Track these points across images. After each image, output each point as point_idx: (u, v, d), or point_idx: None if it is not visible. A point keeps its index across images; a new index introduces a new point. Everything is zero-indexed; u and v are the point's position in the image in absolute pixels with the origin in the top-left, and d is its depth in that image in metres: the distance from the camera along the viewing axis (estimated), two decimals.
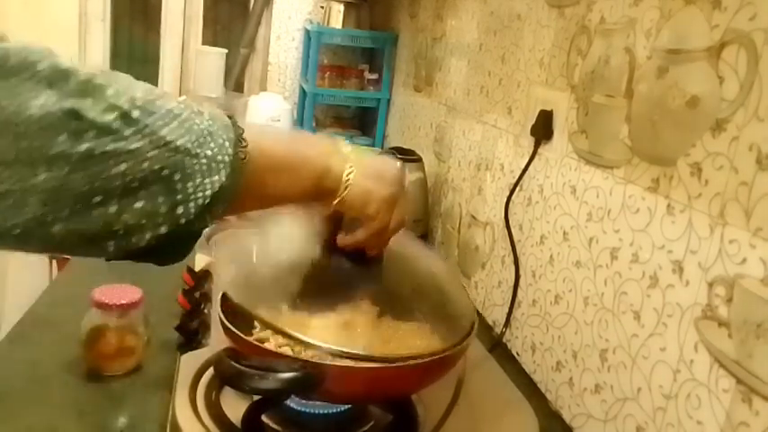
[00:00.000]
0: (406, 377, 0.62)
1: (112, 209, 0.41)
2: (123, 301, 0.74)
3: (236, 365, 0.54)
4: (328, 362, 0.57)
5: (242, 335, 0.61)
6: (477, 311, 1.09)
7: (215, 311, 0.65)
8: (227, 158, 0.46)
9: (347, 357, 0.57)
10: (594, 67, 0.80)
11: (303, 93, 2.01)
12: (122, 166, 0.41)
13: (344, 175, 0.58)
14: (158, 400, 0.72)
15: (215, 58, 1.92)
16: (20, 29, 2.36)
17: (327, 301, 0.63)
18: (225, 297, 0.67)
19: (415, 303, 0.66)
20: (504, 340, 0.97)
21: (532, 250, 0.92)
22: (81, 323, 0.75)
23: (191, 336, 0.82)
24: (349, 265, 0.65)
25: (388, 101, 1.89)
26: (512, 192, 0.98)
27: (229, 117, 0.50)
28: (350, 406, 0.67)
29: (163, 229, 0.44)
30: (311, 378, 0.55)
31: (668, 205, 0.64)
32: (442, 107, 1.39)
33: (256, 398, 0.67)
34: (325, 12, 1.96)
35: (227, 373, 0.55)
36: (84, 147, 0.40)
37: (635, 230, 0.69)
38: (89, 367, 0.76)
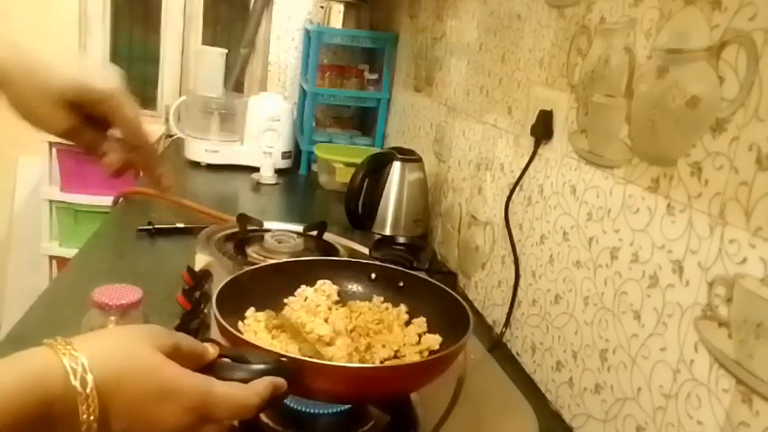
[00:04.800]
0: (389, 378, 0.61)
1: None
2: (123, 302, 0.74)
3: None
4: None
5: (237, 333, 0.61)
6: (477, 311, 1.09)
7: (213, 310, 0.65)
8: None
9: None
10: (594, 66, 0.80)
11: (303, 93, 2.01)
12: None
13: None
14: None
15: (215, 57, 1.91)
16: (21, 28, 2.36)
17: None
18: (221, 296, 0.67)
19: None
20: (504, 340, 0.97)
21: (532, 250, 0.92)
22: (81, 323, 0.75)
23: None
24: None
25: (388, 101, 1.89)
26: (512, 191, 0.98)
27: None
28: (349, 406, 0.67)
29: None
30: (282, 372, 0.55)
31: (668, 205, 0.64)
32: (442, 107, 1.39)
33: None
34: (324, 12, 1.95)
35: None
36: None
37: (635, 230, 0.69)
38: None
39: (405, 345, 0.71)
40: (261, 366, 0.54)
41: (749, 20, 0.55)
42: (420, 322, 0.75)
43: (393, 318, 0.77)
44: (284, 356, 0.57)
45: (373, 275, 0.82)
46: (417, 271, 0.80)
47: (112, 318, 0.74)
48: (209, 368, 0.52)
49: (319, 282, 0.80)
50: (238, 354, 0.56)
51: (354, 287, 0.82)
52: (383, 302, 0.80)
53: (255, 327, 0.70)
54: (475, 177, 1.16)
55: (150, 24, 2.48)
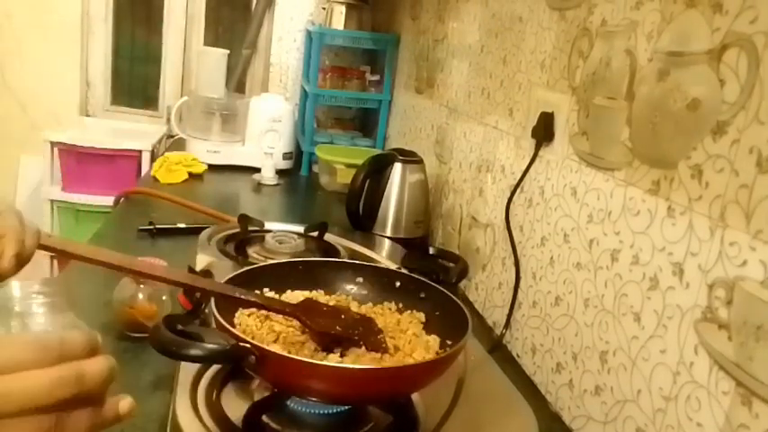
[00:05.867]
0: (388, 379, 0.61)
1: None
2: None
3: (168, 333, 0.55)
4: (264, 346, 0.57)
5: (233, 329, 0.61)
6: (478, 313, 1.09)
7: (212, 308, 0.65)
8: None
9: None
10: (596, 69, 0.80)
11: (304, 94, 2.01)
12: None
13: None
14: (158, 400, 0.72)
15: (217, 58, 1.92)
16: (23, 29, 2.36)
17: None
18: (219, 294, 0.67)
19: None
20: (504, 342, 0.98)
21: (533, 252, 0.92)
22: (114, 293, 0.85)
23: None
24: None
25: (390, 102, 1.90)
26: (512, 193, 0.98)
27: None
28: (349, 407, 0.67)
29: None
30: (234, 354, 0.55)
31: (669, 207, 0.64)
32: (444, 109, 1.39)
33: (257, 398, 0.67)
34: (326, 13, 1.96)
35: (158, 339, 0.55)
36: None
37: (635, 232, 0.69)
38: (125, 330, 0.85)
39: (405, 344, 0.71)
40: (213, 346, 0.54)
41: (750, 23, 0.55)
42: (417, 322, 0.75)
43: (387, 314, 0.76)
44: (246, 342, 0.56)
45: (361, 279, 0.81)
46: (442, 284, 0.78)
47: (142, 286, 0.85)
48: (164, 344, 0.53)
49: (314, 292, 0.79)
50: (196, 332, 0.56)
51: (349, 287, 0.81)
52: (378, 302, 0.79)
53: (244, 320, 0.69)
54: (476, 179, 1.17)
55: (152, 25, 2.48)
